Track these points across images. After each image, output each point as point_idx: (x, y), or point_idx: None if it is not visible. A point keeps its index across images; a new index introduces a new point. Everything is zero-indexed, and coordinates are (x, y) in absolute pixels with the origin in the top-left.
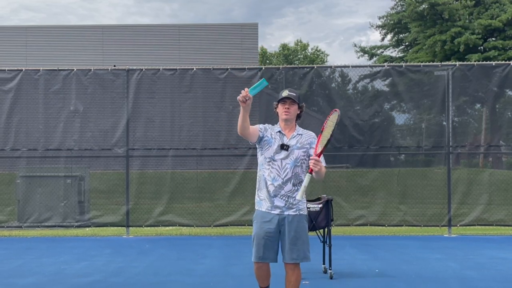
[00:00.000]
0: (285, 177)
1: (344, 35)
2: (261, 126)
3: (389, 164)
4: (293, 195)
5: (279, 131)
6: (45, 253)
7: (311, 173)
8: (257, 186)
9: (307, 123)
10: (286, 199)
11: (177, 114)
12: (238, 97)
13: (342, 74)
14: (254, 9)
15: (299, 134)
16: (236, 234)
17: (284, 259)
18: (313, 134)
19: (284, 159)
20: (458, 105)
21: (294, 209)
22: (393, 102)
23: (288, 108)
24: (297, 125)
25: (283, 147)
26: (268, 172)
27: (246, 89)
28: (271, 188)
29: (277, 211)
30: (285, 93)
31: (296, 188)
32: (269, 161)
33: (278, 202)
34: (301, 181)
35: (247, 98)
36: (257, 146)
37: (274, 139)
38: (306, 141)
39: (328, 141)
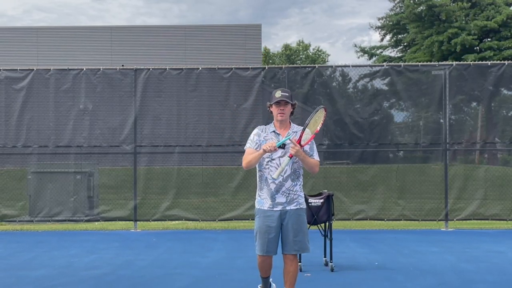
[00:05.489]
0: (284, 174)
1: (346, 35)
2: (254, 138)
3: (388, 160)
4: (294, 190)
5: (274, 131)
6: (55, 246)
7: (291, 157)
8: (258, 186)
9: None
10: (287, 194)
11: (183, 112)
12: (266, 148)
13: (343, 74)
14: (259, 9)
15: (294, 132)
16: (240, 228)
17: (285, 251)
18: (307, 130)
19: (282, 157)
20: (455, 103)
21: (295, 203)
22: (392, 100)
23: (282, 110)
24: (291, 122)
25: (281, 146)
26: (268, 171)
27: (274, 144)
28: (273, 186)
29: (279, 208)
30: (278, 94)
31: (295, 183)
32: (268, 161)
33: (280, 198)
34: (299, 176)
35: (273, 151)
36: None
37: (269, 140)
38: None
39: (302, 134)
